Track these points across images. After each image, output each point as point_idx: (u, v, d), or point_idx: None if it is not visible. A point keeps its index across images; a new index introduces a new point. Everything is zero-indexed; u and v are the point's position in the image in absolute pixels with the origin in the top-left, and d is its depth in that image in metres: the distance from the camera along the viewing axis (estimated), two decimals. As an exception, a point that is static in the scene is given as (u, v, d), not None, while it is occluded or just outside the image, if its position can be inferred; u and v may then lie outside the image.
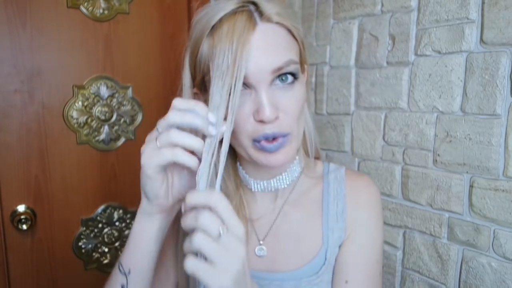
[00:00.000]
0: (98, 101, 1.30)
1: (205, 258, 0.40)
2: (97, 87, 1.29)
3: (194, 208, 0.42)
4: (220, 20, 0.50)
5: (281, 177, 0.62)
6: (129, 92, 1.35)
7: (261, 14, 0.50)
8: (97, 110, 1.30)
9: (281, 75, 0.51)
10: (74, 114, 1.27)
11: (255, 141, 0.52)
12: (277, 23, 0.51)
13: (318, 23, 1.12)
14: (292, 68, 0.51)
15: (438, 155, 0.85)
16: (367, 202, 0.63)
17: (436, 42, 0.84)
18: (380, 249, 0.63)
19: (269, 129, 0.50)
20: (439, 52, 0.83)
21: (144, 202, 0.50)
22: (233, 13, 0.49)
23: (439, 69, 0.84)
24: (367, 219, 0.63)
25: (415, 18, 0.88)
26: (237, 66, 0.46)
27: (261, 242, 0.62)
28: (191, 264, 0.40)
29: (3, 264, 1.19)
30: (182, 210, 0.44)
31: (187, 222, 0.42)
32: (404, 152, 0.93)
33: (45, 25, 1.20)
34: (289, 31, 0.53)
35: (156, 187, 0.47)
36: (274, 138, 0.51)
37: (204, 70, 0.52)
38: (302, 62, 0.56)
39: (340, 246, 0.62)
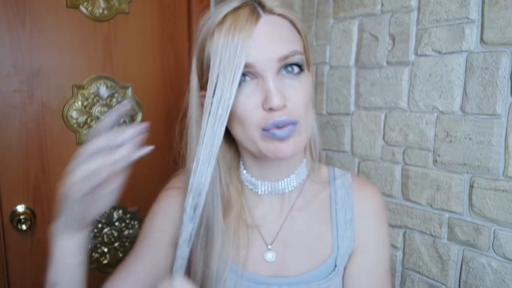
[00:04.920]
0: (98, 101, 1.30)
1: None
2: (96, 87, 1.29)
3: None
4: (224, 17, 0.51)
5: (288, 179, 0.61)
6: (129, 92, 1.35)
7: (263, 7, 0.52)
8: (96, 110, 1.30)
9: (287, 66, 0.51)
10: (74, 114, 1.27)
11: (265, 130, 0.51)
12: (280, 14, 0.53)
13: (318, 23, 1.11)
14: (297, 58, 0.52)
15: (438, 155, 0.85)
16: (374, 212, 0.63)
17: (436, 42, 0.83)
18: (389, 256, 0.64)
19: (278, 116, 0.50)
20: (439, 52, 0.83)
21: (61, 223, 0.47)
22: (236, 9, 0.51)
23: (439, 69, 0.84)
24: (377, 230, 0.63)
25: (415, 18, 0.88)
26: (238, 56, 0.47)
27: (269, 246, 0.61)
28: None
29: (2, 264, 1.19)
30: None
31: None
32: (404, 152, 0.92)
33: (44, 25, 1.20)
34: (292, 23, 0.54)
35: (79, 212, 0.45)
36: (284, 125, 0.51)
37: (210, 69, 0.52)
38: (307, 58, 0.56)
39: (350, 255, 0.61)
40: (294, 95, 0.51)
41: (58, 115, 1.25)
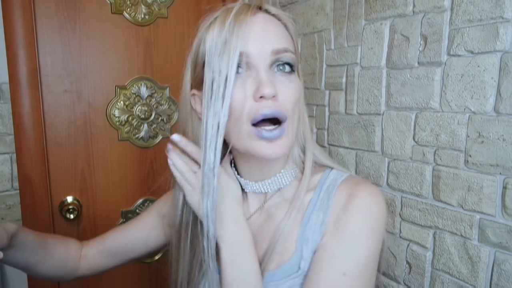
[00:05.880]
0: (139, 100, 1.38)
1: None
2: (137, 88, 1.38)
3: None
4: (221, 13, 0.56)
5: (269, 181, 0.62)
6: (167, 92, 1.42)
7: (260, 7, 0.56)
8: (137, 109, 1.38)
9: (279, 64, 0.54)
10: (116, 112, 1.36)
11: (254, 125, 0.53)
12: (274, 15, 0.57)
13: (349, 24, 1.13)
14: (289, 57, 0.55)
15: (470, 155, 0.84)
16: (351, 210, 0.56)
17: (469, 42, 0.83)
18: (356, 262, 0.54)
19: (267, 107, 0.51)
20: (472, 52, 0.83)
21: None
22: (233, 8, 0.55)
23: (471, 69, 0.83)
24: (345, 229, 0.56)
25: (448, 18, 0.87)
26: (234, 40, 0.51)
27: None
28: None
29: (52, 249, 1.30)
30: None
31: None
32: (435, 152, 0.92)
33: (92, 30, 1.30)
34: (286, 27, 0.57)
35: None
36: (273, 123, 0.53)
37: (204, 64, 0.55)
38: (297, 62, 0.58)
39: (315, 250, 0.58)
40: (284, 89, 0.53)
41: (102, 113, 1.34)
